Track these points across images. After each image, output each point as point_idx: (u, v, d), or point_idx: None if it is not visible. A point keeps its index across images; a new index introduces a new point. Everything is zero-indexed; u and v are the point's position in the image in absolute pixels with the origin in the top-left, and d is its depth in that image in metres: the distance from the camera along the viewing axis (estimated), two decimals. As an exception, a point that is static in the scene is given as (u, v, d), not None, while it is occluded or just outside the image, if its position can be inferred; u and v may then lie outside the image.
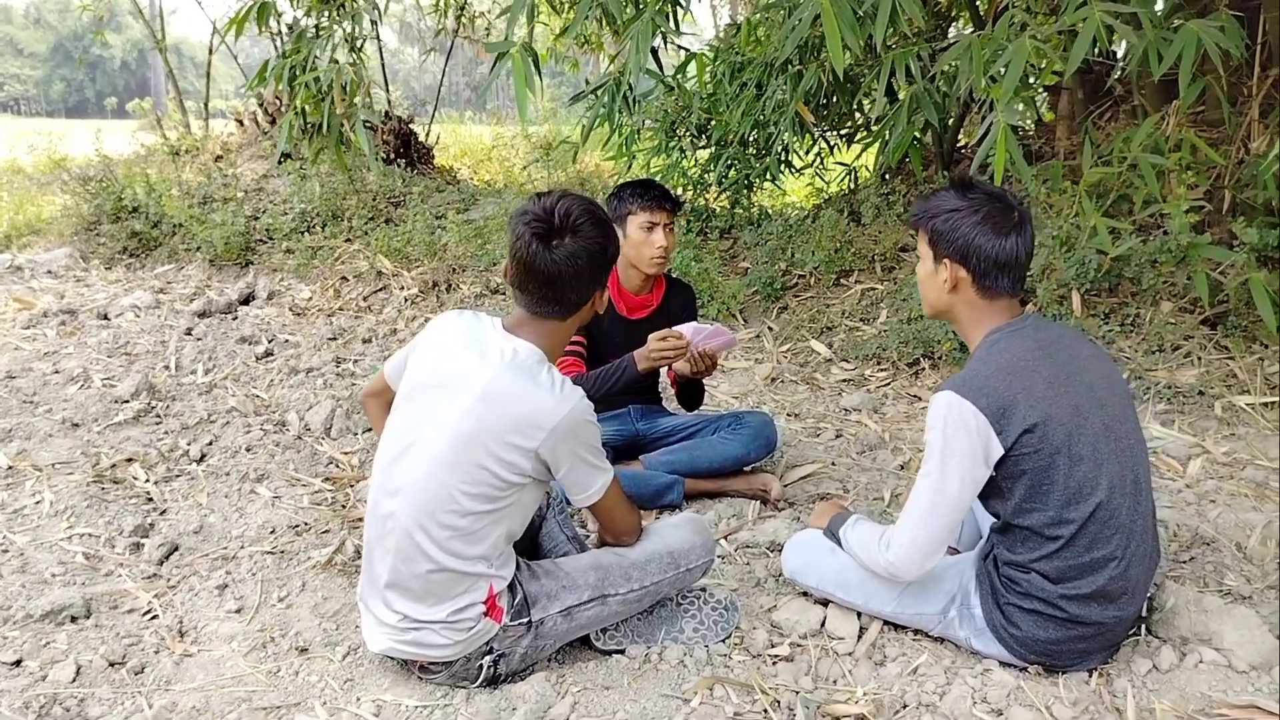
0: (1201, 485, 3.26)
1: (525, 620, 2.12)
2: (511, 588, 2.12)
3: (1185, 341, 4.19)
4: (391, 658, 2.17)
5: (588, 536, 2.74)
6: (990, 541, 2.23)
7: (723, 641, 2.32)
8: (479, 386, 1.96)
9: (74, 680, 2.15)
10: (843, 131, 6.74)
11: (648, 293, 3.26)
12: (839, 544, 2.32)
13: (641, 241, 3.09)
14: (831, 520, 2.38)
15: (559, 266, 2.00)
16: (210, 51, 10.94)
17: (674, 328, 2.94)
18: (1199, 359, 4.12)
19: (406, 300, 6.13)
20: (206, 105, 11.32)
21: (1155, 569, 2.16)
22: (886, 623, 2.36)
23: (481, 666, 2.10)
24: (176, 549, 2.84)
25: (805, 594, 2.49)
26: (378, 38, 9.63)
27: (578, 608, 2.17)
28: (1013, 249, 2.04)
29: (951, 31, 6.43)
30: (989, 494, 2.09)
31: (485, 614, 2.05)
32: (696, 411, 3.45)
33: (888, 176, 6.33)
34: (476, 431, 1.95)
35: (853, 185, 6.89)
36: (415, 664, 2.13)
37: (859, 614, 2.37)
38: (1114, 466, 2.01)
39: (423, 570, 2.00)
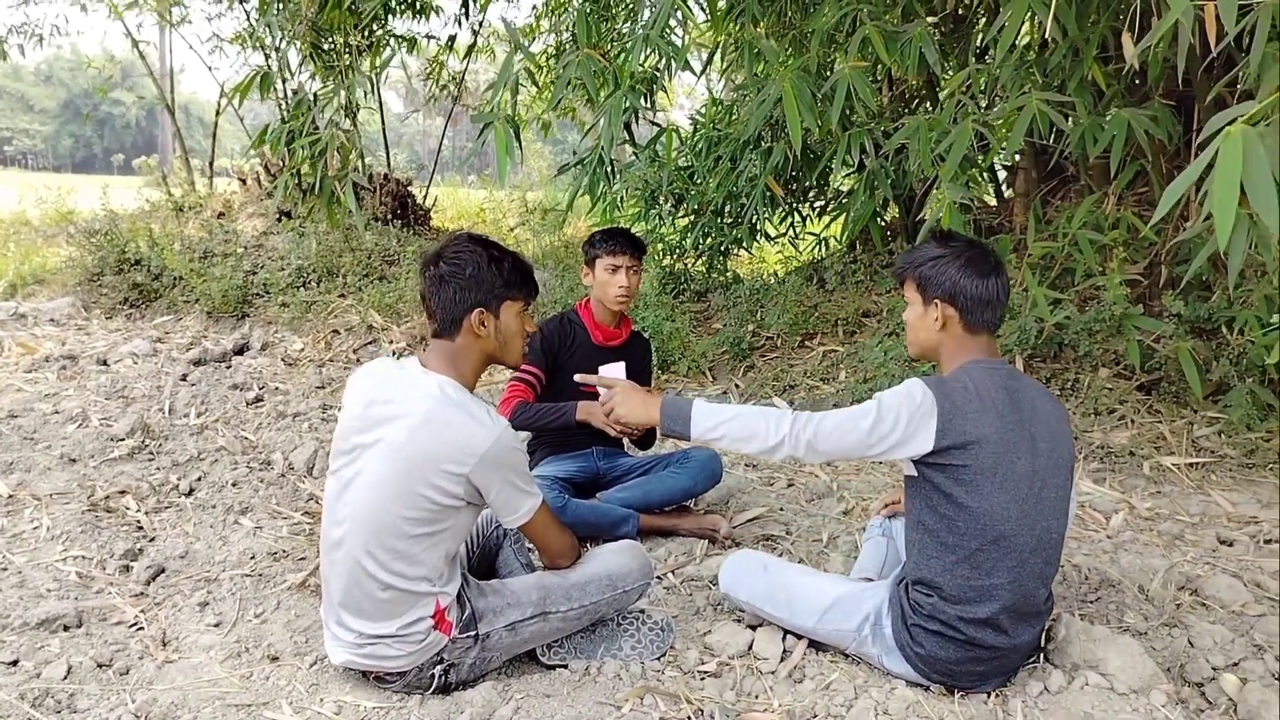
0: (1120, 536, 3.50)
1: (473, 633, 2.34)
2: (461, 603, 2.34)
3: (1120, 405, 4.46)
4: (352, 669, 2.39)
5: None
6: (904, 569, 2.47)
7: (657, 659, 2.54)
8: (414, 419, 2.19)
9: (65, 678, 2.36)
10: (813, 204, 7.09)
11: (616, 327, 3.61)
12: (683, 437, 2.41)
13: (606, 281, 3.46)
14: (664, 406, 2.43)
15: (426, 284, 2.31)
16: (217, 112, 11.34)
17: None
18: (1132, 421, 4.38)
19: (394, 353, 6.40)
20: (212, 164, 11.73)
21: (1048, 615, 2.40)
22: (810, 645, 2.59)
23: (433, 676, 2.32)
24: (163, 571, 3.06)
25: (738, 620, 2.72)
26: (380, 104, 10.05)
27: (521, 623, 2.39)
28: (993, 288, 2.30)
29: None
30: (925, 489, 2.30)
31: (434, 627, 2.27)
32: (652, 452, 3.74)
33: (856, 245, 6.65)
34: (414, 460, 2.17)
35: (822, 254, 7.22)
36: (373, 675, 2.34)
37: (784, 637, 2.60)
38: (1027, 508, 2.24)
39: (371, 590, 2.22)
